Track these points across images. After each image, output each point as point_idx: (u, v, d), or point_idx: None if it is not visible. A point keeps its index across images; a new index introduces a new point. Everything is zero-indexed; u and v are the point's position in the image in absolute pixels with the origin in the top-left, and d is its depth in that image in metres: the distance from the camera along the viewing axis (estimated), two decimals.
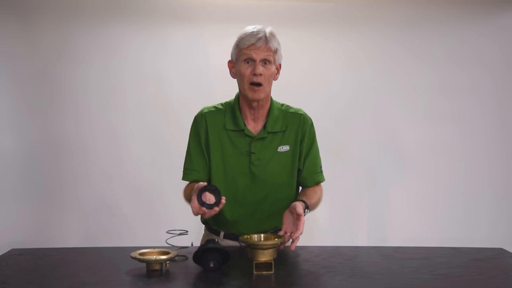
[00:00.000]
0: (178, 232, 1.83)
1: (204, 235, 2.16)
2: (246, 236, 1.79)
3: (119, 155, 3.24)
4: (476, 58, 3.34)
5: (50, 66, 3.18)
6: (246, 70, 1.92)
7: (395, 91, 3.34)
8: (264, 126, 2.01)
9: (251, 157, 1.99)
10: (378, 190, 3.36)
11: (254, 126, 2.02)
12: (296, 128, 2.03)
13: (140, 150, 3.25)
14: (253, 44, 1.90)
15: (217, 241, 1.74)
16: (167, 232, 1.85)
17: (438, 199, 3.34)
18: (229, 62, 2.01)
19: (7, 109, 3.18)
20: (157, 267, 1.68)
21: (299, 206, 1.82)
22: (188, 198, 1.98)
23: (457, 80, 3.34)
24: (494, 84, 3.35)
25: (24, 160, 3.18)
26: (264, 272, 1.65)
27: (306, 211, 1.89)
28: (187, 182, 2.05)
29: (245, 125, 2.00)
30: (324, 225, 3.30)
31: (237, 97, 2.05)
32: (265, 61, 1.92)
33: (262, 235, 1.82)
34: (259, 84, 1.91)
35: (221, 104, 2.08)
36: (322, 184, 2.11)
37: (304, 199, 1.92)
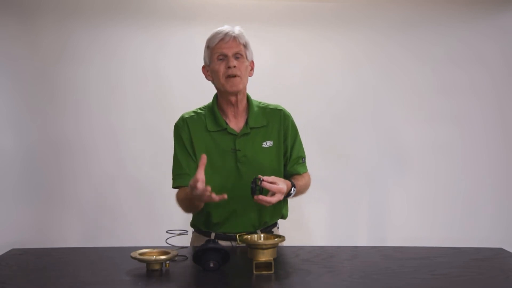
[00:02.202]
0: (178, 232, 1.84)
1: (193, 238, 2.15)
2: (246, 236, 1.80)
3: (119, 155, 3.24)
4: (476, 58, 3.33)
5: (50, 66, 3.18)
6: (220, 66, 1.97)
7: (395, 91, 3.34)
8: (246, 123, 2.04)
9: (237, 154, 2.00)
10: (378, 190, 3.36)
11: (236, 123, 2.05)
12: (278, 124, 2.07)
13: (140, 150, 3.24)
14: (222, 40, 1.96)
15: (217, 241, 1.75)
16: (167, 232, 1.85)
17: (438, 199, 3.34)
18: (203, 67, 2.07)
19: (7, 109, 3.18)
20: (157, 267, 1.68)
21: (282, 182, 1.85)
22: (182, 202, 2.01)
23: (457, 80, 3.34)
24: (494, 84, 3.35)
25: (24, 160, 3.18)
26: (264, 272, 1.65)
27: (292, 189, 1.94)
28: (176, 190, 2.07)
29: (226, 124, 2.03)
30: (324, 225, 3.30)
31: (215, 98, 2.09)
32: (236, 55, 1.97)
33: (262, 235, 1.82)
34: (235, 76, 1.95)
35: (200, 108, 2.12)
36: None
37: (292, 180, 1.98)
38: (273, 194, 1.82)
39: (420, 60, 3.33)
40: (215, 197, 1.75)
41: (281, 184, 1.85)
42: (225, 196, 1.78)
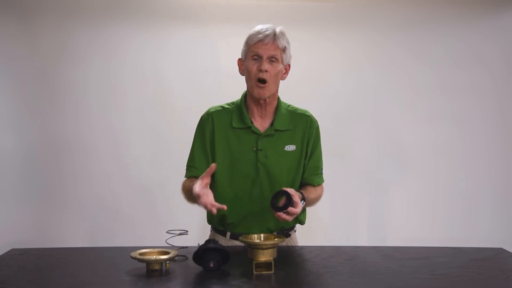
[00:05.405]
0: (178, 232, 1.83)
1: (210, 236, 2.15)
2: (246, 236, 1.79)
3: (119, 155, 3.24)
4: (476, 58, 3.33)
5: (50, 66, 3.18)
6: (253, 66, 1.95)
7: (395, 91, 3.34)
8: (272, 124, 2.03)
9: (258, 154, 2.00)
10: (378, 190, 3.35)
11: (261, 123, 2.03)
12: (303, 129, 2.05)
13: (140, 150, 3.25)
14: (260, 41, 1.94)
15: (218, 240, 1.74)
16: (167, 232, 1.85)
17: (438, 199, 3.34)
18: (239, 60, 2.05)
19: (7, 109, 3.18)
20: (157, 267, 1.69)
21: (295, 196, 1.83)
22: (186, 193, 2.00)
23: (457, 80, 3.34)
24: (494, 84, 3.35)
25: (24, 160, 3.18)
26: (264, 272, 1.65)
27: (302, 202, 1.91)
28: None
29: (252, 122, 2.02)
30: (324, 225, 3.30)
31: (244, 95, 2.07)
32: (272, 59, 1.95)
33: (262, 235, 1.82)
34: (264, 81, 1.94)
35: (228, 104, 2.10)
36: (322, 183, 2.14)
37: (302, 192, 1.95)
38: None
39: (420, 60, 3.33)
40: (215, 210, 1.76)
41: (300, 205, 1.85)
42: (225, 207, 1.78)
